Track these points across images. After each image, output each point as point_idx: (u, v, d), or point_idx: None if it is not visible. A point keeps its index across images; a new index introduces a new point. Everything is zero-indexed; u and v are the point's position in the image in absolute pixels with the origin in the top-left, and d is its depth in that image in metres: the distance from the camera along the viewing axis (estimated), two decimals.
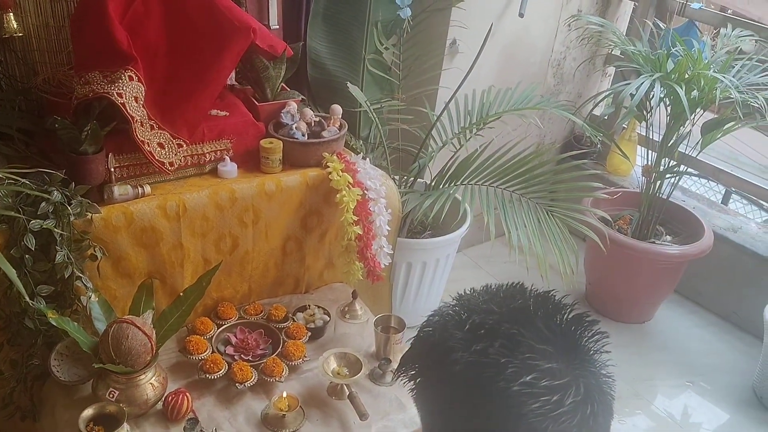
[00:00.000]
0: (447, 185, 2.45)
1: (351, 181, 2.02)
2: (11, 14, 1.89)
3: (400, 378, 0.89)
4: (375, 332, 1.95)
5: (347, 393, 1.80)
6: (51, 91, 1.93)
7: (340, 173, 2.02)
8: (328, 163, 2.04)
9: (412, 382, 0.86)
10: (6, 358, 1.69)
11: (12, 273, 1.33)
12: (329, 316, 2.06)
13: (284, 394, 1.74)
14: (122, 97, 1.70)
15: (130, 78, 1.73)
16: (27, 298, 1.34)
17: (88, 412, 1.57)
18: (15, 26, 1.90)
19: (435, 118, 2.56)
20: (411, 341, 0.89)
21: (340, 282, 2.28)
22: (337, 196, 2.00)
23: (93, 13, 1.77)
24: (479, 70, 2.48)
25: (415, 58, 2.62)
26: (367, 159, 2.11)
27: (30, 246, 1.60)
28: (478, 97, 2.57)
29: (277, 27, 2.38)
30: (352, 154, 2.13)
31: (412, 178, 2.59)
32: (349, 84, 2.29)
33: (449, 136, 2.56)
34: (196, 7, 1.86)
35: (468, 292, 0.87)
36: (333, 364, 1.84)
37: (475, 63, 2.43)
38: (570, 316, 0.77)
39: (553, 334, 0.75)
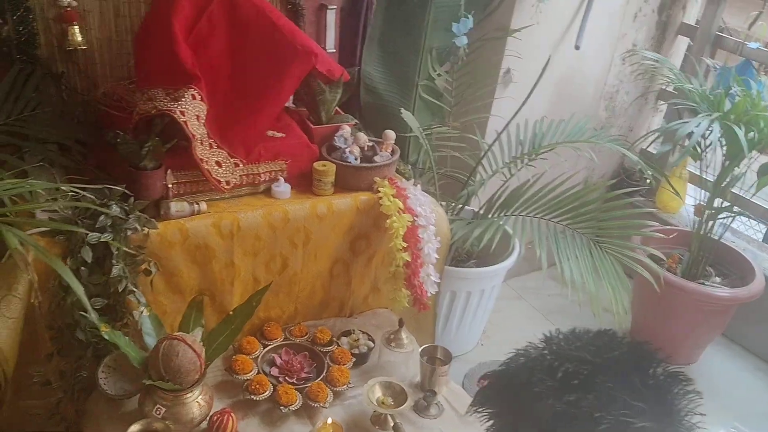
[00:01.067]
0: (496, 214, 2.42)
1: (402, 206, 2.01)
2: (76, 27, 1.94)
3: (474, 413, 0.87)
4: (420, 363, 1.92)
5: (391, 424, 1.77)
6: (110, 105, 1.96)
7: (391, 198, 2.01)
8: (379, 188, 2.03)
9: (489, 420, 0.84)
10: (55, 368, 1.69)
11: (79, 289, 1.34)
12: (373, 342, 2.04)
13: (329, 421, 1.72)
14: (185, 115, 1.72)
15: (193, 97, 1.75)
16: (91, 314, 1.35)
17: (134, 428, 1.57)
18: (79, 39, 1.95)
19: (486, 146, 2.54)
20: (488, 378, 0.87)
21: (384, 308, 2.26)
22: (387, 221, 1.99)
23: (159, 31, 1.80)
24: (532, 100, 2.46)
25: (468, 85, 2.62)
26: (418, 185, 2.10)
27: (87, 258, 1.61)
28: (530, 127, 2.55)
29: (334, 51, 2.39)
30: (403, 179, 2.13)
31: (460, 206, 2.57)
32: (402, 110, 2.29)
33: (500, 165, 2.54)
34: (259, 29, 1.88)
35: (554, 334, 0.84)
36: (378, 393, 1.82)
37: (531, 93, 2.41)
38: (665, 372, 0.74)
39: (648, 390, 0.72)
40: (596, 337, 0.80)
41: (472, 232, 2.34)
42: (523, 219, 2.32)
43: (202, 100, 1.77)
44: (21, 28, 1.87)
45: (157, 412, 1.62)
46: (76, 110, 2.00)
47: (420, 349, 1.94)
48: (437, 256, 2.08)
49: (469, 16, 2.36)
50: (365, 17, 2.42)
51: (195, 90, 1.76)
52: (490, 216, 2.44)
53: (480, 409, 0.86)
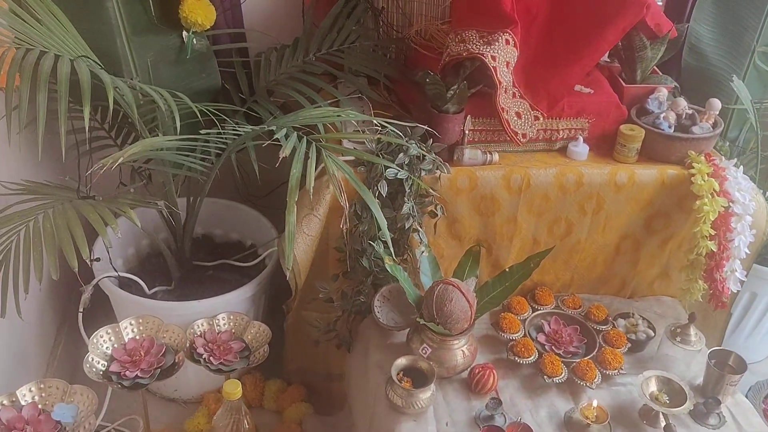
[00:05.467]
0: None
1: (717, 188, 1.76)
2: None
3: None
4: (707, 365, 1.70)
5: (663, 423, 1.60)
6: (421, 44, 1.98)
7: (706, 177, 1.77)
8: (693, 163, 1.79)
9: None
10: (338, 288, 1.81)
11: (383, 221, 1.41)
12: (654, 331, 1.85)
13: (594, 403, 1.60)
14: (495, 61, 1.66)
15: (507, 42, 1.68)
16: (379, 245, 1.38)
17: (401, 361, 1.61)
18: None
19: None
20: None
21: (671, 296, 2.03)
22: (697, 202, 1.76)
23: None
24: None
25: None
26: (741, 167, 1.82)
27: (382, 192, 1.66)
28: None
29: (660, 3, 2.14)
30: (723, 158, 1.85)
31: None
32: (734, 77, 1.98)
33: None
34: None
35: None
36: (652, 387, 1.65)
37: None
38: None
39: None
40: None
41: None
42: None
43: (515, 45, 1.69)
44: None
45: (423, 351, 1.65)
46: (389, 46, 2.06)
47: (709, 351, 1.71)
48: (748, 251, 1.80)
49: None
50: None
51: (510, 35, 1.68)
52: None
53: None
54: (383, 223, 1.41)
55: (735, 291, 1.82)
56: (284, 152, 1.29)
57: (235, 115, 1.89)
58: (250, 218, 2.17)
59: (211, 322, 1.84)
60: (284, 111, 1.90)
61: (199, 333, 1.81)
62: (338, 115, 1.47)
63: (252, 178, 1.85)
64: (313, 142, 1.37)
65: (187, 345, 1.76)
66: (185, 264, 2.02)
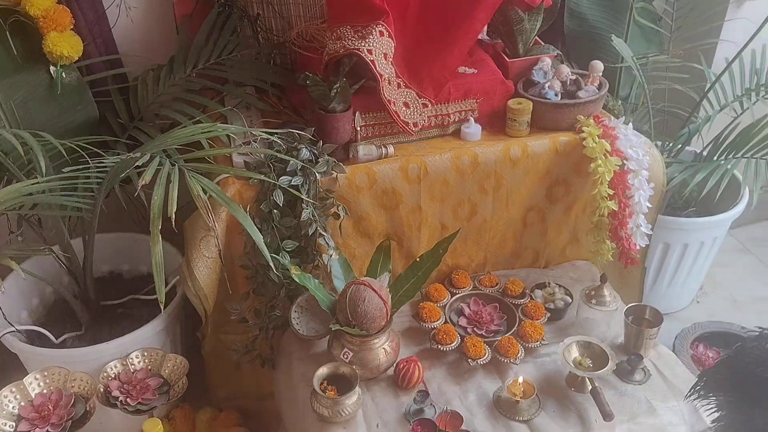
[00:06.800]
0: (724, 156, 2.09)
1: (608, 148, 1.78)
2: None
3: (698, 398, 0.73)
4: (625, 323, 1.73)
5: (589, 387, 1.61)
6: (303, 46, 1.94)
7: (597, 139, 1.79)
8: (582, 127, 1.82)
9: (716, 411, 0.68)
10: (251, 307, 1.76)
11: (257, 237, 1.35)
12: (571, 297, 1.87)
13: (520, 380, 1.60)
14: (372, 54, 1.64)
15: (381, 33, 1.66)
16: (269, 258, 1.35)
17: (323, 371, 1.57)
18: None
19: (713, 77, 2.19)
20: (716, 362, 0.71)
21: (584, 260, 2.06)
22: (591, 165, 1.78)
23: None
24: None
25: (692, 7, 2.25)
26: (630, 124, 1.85)
27: (279, 202, 1.62)
28: None
29: None
30: (612, 117, 1.88)
31: (679, 146, 2.25)
32: (613, 37, 2.01)
33: (729, 98, 2.18)
34: None
35: None
36: (575, 353, 1.66)
37: None
38: None
39: None
40: None
41: (693, 177, 2.05)
42: (758, 162, 1.97)
43: (389, 36, 1.67)
44: None
45: (345, 356, 1.62)
46: (271, 52, 2.01)
47: (625, 308, 1.74)
48: (650, 205, 1.84)
49: None
50: None
51: (382, 26, 1.66)
52: (716, 158, 2.10)
53: (708, 395, 0.70)
54: (258, 238, 1.37)
55: (644, 246, 1.86)
56: (144, 179, 1.23)
57: (116, 145, 1.82)
58: None
59: (125, 362, 1.76)
60: None
61: (113, 375, 1.74)
62: (205, 132, 1.42)
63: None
64: (176, 165, 1.31)
65: (101, 390, 1.69)
66: (92, 306, 1.94)
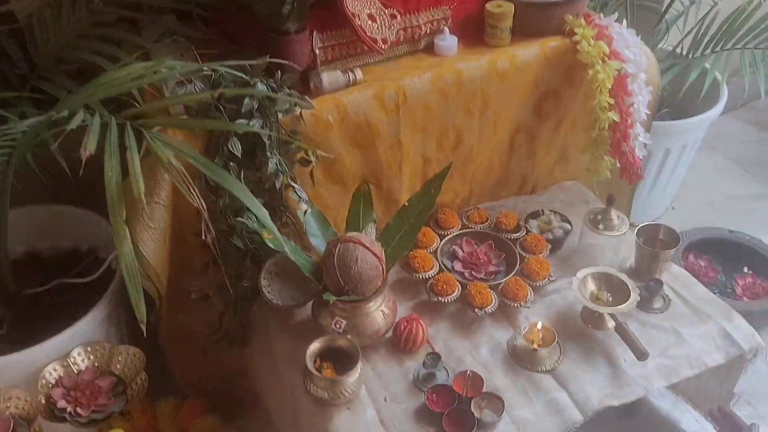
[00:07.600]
0: (700, 52, 1.92)
1: (606, 51, 1.56)
2: None
3: None
4: (638, 246, 1.56)
5: (609, 323, 1.45)
6: None
7: (592, 42, 1.56)
8: (573, 29, 1.58)
9: None
10: (212, 280, 1.47)
11: (245, 194, 1.05)
12: (569, 223, 1.68)
13: (539, 325, 1.41)
14: None
15: None
16: (273, 229, 1.06)
17: (315, 346, 1.33)
18: None
19: None
20: None
21: (572, 179, 1.87)
22: (590, 72, 1.56)
23: None
24: None
25: None
26: (624, 20, 1.63)
27: (236, 152, 1.32)
28: None
29: None
30: (601, 15, 1.65)
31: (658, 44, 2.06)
32: None
33: None
34: None
35: None
36: (591, 287, 1.48)
37: None
38: None
39: None
40: None
41: (675, 75, 1.87)
42: (753, 52, 1.80)
43: None
44: None
45: (337, 326, 1.37)
46: None
47: (636, 230, 1.57)
48: (648, 112, 1.65)
49: None
50: None
51: None
52: (692, 56, 1.93)
53: None
54: (246, 196, 1.08)
55: (642, 157, 1.68)
56: (88, 148, 0.90)
57: (19, 102, 1.43)
58: (81, 219, 1.74)
59: (65, 363, 1.45)
60: (85, 80, 1.46)
61: (53, 381, 1.43)
62: (156, 72, 1.08)
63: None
64: (127, 123, 0.98)
65: (43, 402, 1.38)
66: (13, 298, 1.59)
